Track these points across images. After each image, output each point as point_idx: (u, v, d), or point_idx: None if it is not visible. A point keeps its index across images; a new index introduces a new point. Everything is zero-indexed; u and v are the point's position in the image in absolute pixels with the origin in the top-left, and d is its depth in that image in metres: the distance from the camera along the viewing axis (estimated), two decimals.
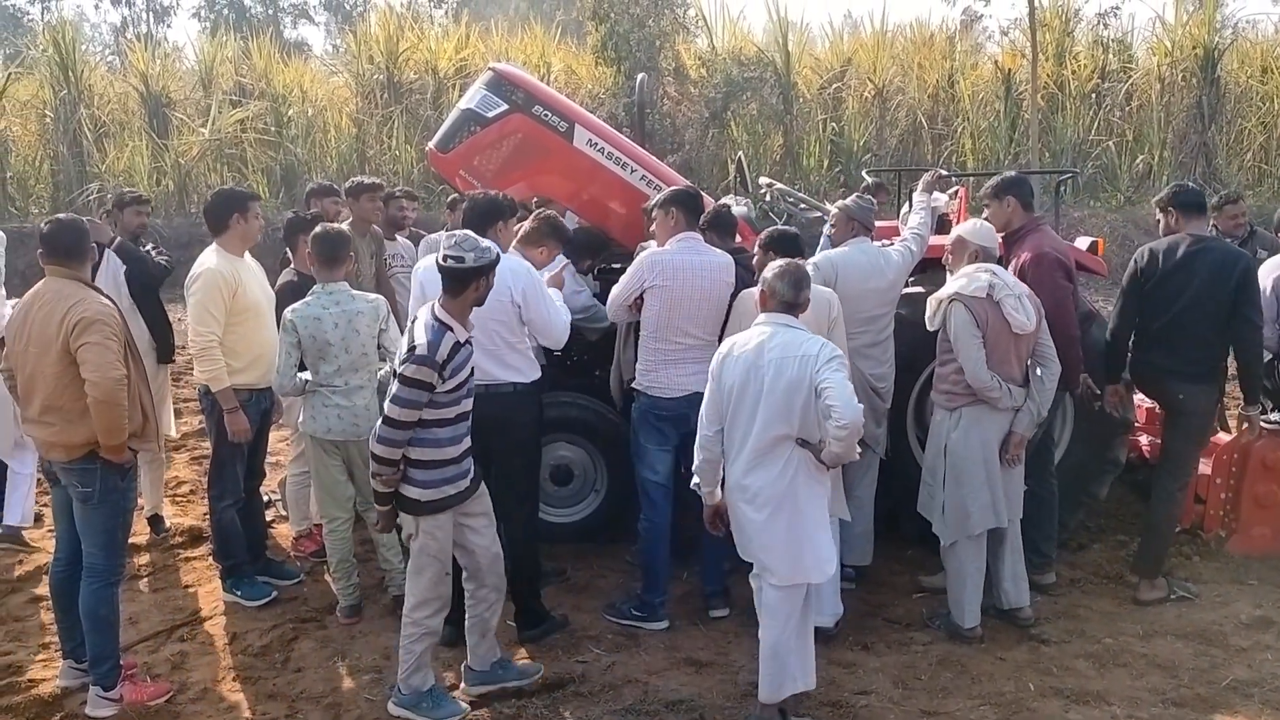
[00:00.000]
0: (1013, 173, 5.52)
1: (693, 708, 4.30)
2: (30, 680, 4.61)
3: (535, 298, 4.63)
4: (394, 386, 3.93)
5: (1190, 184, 5.58)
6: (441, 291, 4.04)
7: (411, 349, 3.91)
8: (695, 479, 4.17)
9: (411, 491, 4.08)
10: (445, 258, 3.98)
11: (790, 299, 3.97)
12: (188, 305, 5.19)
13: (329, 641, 4.96)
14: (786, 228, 5.10)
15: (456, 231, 4.19)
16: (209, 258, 5.20)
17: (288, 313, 4.97)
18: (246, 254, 5.39)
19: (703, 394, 4.85)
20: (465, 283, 3.99)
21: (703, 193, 5.41)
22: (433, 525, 4.14)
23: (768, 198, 6.59)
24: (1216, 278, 5.04)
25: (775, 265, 4.06)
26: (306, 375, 5.03)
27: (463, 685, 4.45)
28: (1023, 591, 4.99)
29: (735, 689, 4.46)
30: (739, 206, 6.59)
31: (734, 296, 4.96)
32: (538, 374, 4.81)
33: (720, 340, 4.63)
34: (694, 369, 4.84)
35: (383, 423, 3.93)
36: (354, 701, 4.42)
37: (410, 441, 3.98)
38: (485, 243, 4.09)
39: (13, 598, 5.48)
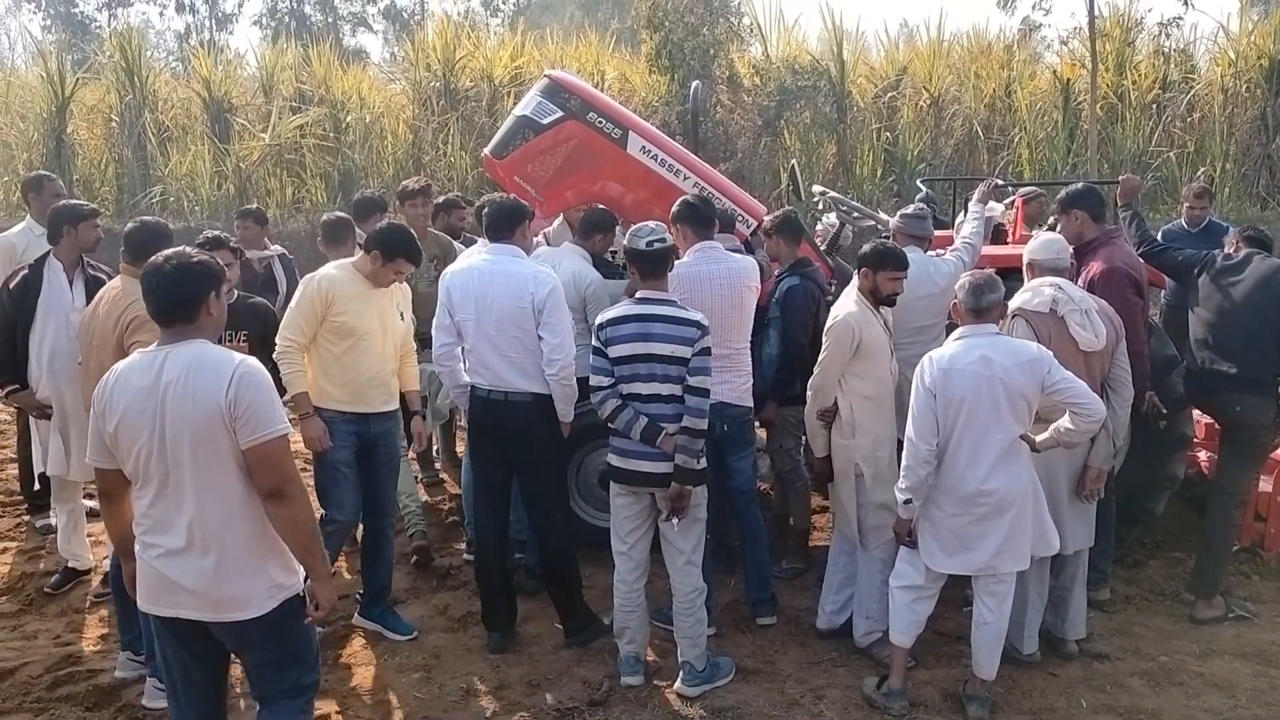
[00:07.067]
0: (1078, 185, 5.43)
1: (739, 715, 4.31)
2: (89, 670, 4.72)
3: (555, 308, 4.54)
4: (698, 362, 4.20)
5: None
6: (643, 278, 4.34)
7: (697, 324, 4.21)
8: (907, 496, 4.15)
9: (702, 462, 4.36)
10: (651, 243, 4.26)
11: (972, 305, 4.17)
12: None
13: (379, 640, 5.02)
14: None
15: (645, 223, 4.41)
16: (328, 266, 4.86)
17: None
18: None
19: (728, 403, 4.87)
20: (668, 261, 4.37)
21: (717, 197, 5.46)
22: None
23: (820, 205, 6.57)
24: (1263, 290, 5.00)
25: (964, 277, 4.27)
26: None
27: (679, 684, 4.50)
28: (1078, 624, 4.86)
29: (781, 697, 4.45)
30: (831, 215, 6.47)
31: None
32: None
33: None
34: (719, 379, 4.74)
35: (701, 397, 4.21)
36: (404, 699, 4.48)
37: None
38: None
39: (74, 590, 5.61)
